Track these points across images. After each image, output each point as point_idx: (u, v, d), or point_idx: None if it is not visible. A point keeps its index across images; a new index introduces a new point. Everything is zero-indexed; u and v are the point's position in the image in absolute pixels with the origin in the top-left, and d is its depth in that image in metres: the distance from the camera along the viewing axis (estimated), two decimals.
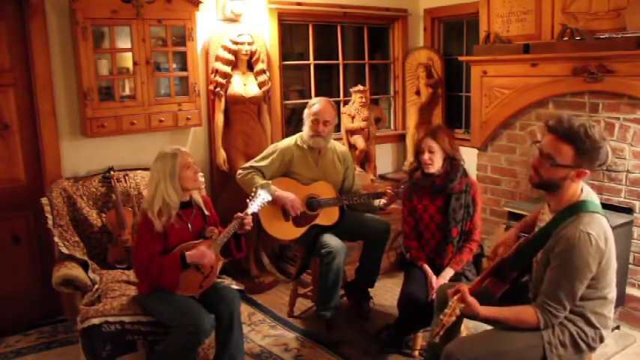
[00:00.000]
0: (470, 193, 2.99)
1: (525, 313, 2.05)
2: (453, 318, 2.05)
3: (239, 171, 3.42)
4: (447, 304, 2.13)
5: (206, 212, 2.82)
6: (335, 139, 3.67)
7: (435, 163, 2.93)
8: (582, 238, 1.94)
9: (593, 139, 1.97)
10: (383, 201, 3.38)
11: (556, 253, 2.00)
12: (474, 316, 2.12)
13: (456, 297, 2.09)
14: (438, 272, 2.94)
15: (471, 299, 2.08)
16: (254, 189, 2.88)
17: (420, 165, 2.97)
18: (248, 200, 2.80)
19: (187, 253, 2.60)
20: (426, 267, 2.96)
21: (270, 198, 2.88)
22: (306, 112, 3.43)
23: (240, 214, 2.74)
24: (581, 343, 2.06)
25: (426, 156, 2.92)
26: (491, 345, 2.08)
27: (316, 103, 3.39)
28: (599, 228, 1.99)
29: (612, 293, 2.10)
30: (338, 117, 3.65)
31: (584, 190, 2.09)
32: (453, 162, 2.95)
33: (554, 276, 2.00)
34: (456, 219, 2.94)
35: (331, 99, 3.51)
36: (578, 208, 2.03)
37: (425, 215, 3.01)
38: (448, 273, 2.92)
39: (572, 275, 1.96)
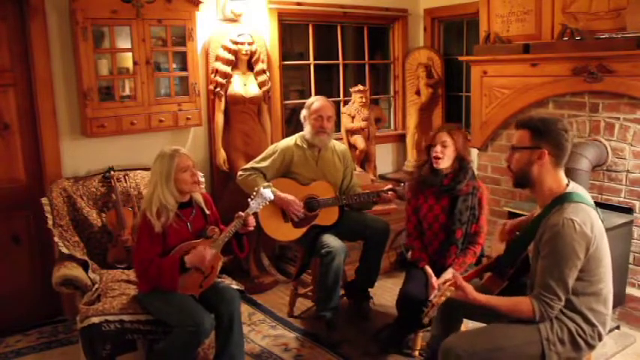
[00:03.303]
0: (477, 195, 2.96)
1: (521, 302, 2.06)
2: (443, 298, 2.08)
3: (239, 172, 3.41)
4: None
5: (207, 211, 2.82)
6: (335, 139, 3.68)
7: (446, 159, 2.90)
8: (566, 224, 1.97)
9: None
10: (386, 195, 3.36)
11: (543, 242, 2.03)
12: (469, 302, 2.13)
13: (448, 283, 2.11)
14: (439, 273, 2.92)
15: (466, 284, 2.09)
16: (256, 188, 2.87)
17: (430, 159, 2.95)
18: (250, 200, 2.79)
19: (186, 257, 2.60)
20: (428, 268, 2.94)
21: (272, 197, 2.85)
22: (304, 112, 3.44)
23: (241, 213, 2.74)
24: (580, 341, 2.06)
25: (438, 149, 2.89)
26: (489, 340, 2.09)
27: (315, 101, 3.41)
28: (584, 215, 2.01)
29: (607, 289, 2.10)
30: (336, 115, 3.66)
31: (570, 185, 2.13)
32: (462, 163, 2.93)
33: (544, 266, 2.02)
34: (461, 220, 2.92)
35: (331, 99, 3.52)
36: (562, 199, 2.07)
37: (429, 215, 2.99)
38: (449, 274, 2.88)
39: (560, 262, 1.98)
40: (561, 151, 2.09)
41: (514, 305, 2.07)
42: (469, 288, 2.09)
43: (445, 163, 2.91)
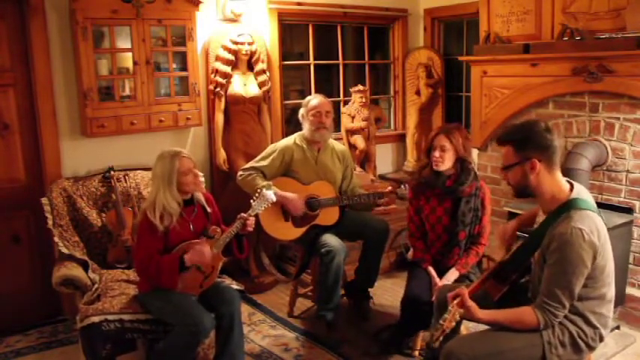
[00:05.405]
0: (479, 196, 2.94)
1: (525, 314, 2.05)
2: (453, 323, 2.05)
3: (239, 172, 3.41)
4: (446, 307, 2.12)
5: (208, 209, 2.82)
6: (335, 139, 3.68)
7: (446, 162, 2.86)
8: (574, 233, 1.95)
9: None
10: (382, 200, 3.37)
11: (550, 251, 2.02)
12: (475, 320, 2.12)
13: (455, 302, 2.09)
14: (442, 273, 2.91)
15: (471, 303, 2.08)
16: (258, 190, 2.86)
17: (430, 162, 2.92)
18: (252, 201, 2.79)
19: (186, 256, 2.60)
20: (431, 269, 2.93)
21: (274, 199, 2.84)
22: (302, 110, 3.45)
23: (243, 214, 2.73)
24: (581, 343, 2.06)
25: (437, 153, 2.86)
26: (490, 344, 2.08)
27: (312, 99, 3.44)
28: (591, 223, 2.00)
29: (611, 292, 2.10)
30: (336, 114, 3.67)
31: (574, 188, 2.10)
32: (464, 164, 2.90)
33: (550, 274, 2.01)
34: (464, 222, 2.90)
35: (331, 99, 3.52)
36: (568, 206, 2.04)
37: (432, 216, 2.97)
38: (452, 275, 2.89)
39: (568, 271, 1.97)
40: (550, 153, 2.06)
41: (518, 319, 2.06)
42: (474, 308, 2.08)
43: (445, 165, 2.88)
